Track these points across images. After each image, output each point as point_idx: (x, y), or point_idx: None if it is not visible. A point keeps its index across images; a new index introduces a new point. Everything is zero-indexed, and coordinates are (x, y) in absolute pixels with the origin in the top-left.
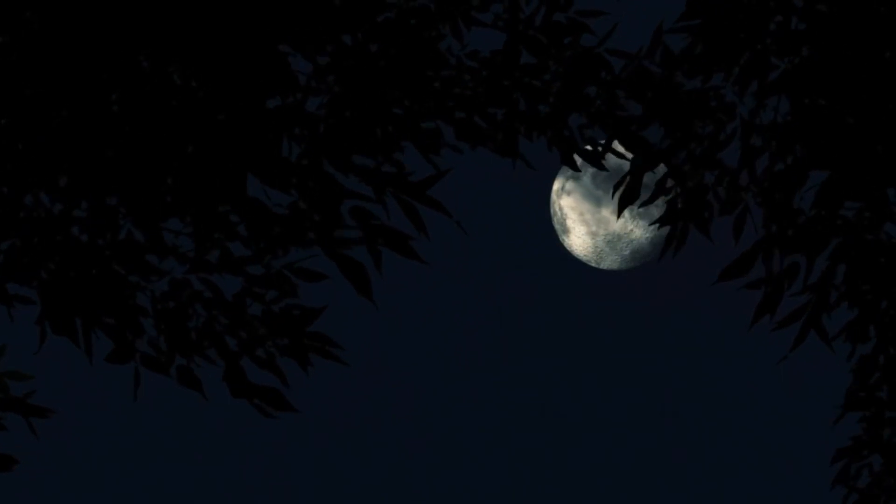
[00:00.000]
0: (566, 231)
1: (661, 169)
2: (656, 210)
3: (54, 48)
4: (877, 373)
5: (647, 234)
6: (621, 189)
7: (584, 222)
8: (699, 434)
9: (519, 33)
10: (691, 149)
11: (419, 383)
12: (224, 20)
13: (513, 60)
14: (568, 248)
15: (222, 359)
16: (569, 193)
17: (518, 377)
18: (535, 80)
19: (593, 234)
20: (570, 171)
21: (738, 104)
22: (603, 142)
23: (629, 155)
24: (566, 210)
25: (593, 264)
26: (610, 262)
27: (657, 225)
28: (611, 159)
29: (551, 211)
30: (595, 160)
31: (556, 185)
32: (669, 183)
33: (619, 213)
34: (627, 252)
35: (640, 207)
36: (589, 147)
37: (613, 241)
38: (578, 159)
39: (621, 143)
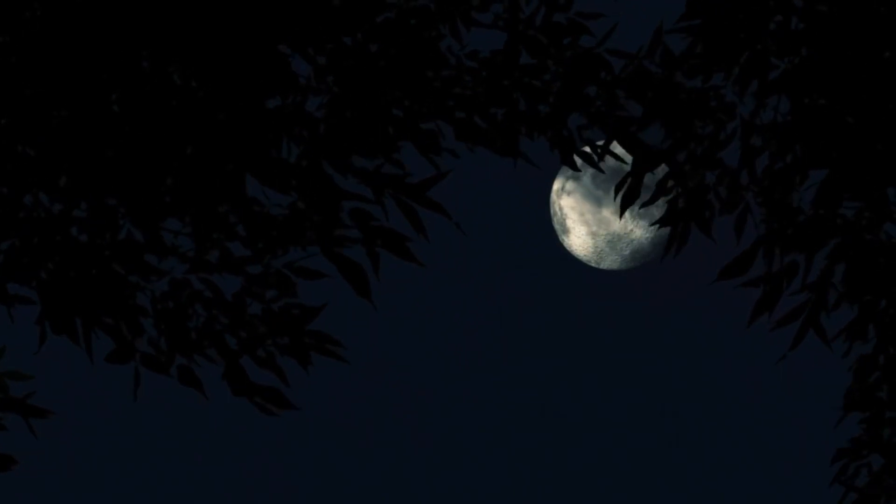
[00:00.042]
0: (566, 231)
1: (662, 169)
2: (657, 210)
3: (54, 48)
4: (877, 372)
5: (648, 234)
6: (623, 190)
7: (584, 222)
8: (699, 434)
9: (519, 33)
10: (692, 149)
11: (419, 383)
12: (224, 20)
13: (513, 60)
14: (568, 248)
15: (222, 358)
16: (569, 193)
17: (518, 377)
18: (534, 80)
19: (593, 234)
20: (570, 171)
21: (738, 104)
22: (601, 143)
23: (628, 157)
24: (566, 210)
25: (593, 264)
26: (610, 262)
27: (658, 225)
28: (610, 160)
29: (551, 211)
30: (592, 161)
31: (556, 185)
32: (670, 183)
33: (622, 214)
34: (628, 252)
35: (640, 208)
36: (587, 148)
37: (614, 241)
38: (578, 160)
39: (620, 143)
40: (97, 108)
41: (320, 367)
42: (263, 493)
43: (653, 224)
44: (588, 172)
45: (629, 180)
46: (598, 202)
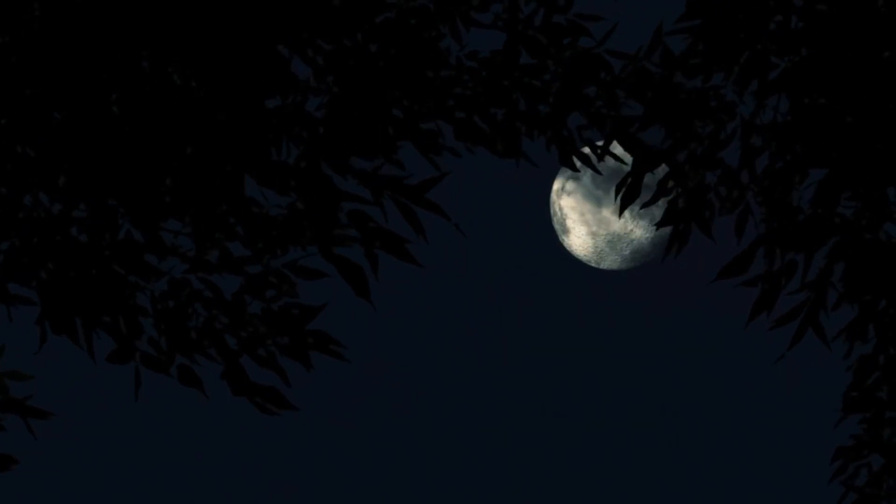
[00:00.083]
0: (566, 231)
1: (662, 169)
2: (657, 210)
3: (54, 48)
4: (876, 372)
5: (648, 234)
6: (623, 189)
7: (584, 222)
8: (699, 434)
9: (518, 34)
10: (692, 149)
11: (419, 383)
12: (224, 20)
13: (512, 61)
14: (568, 248)
15: (222, 358)
16: (569, 193)
17: (518, 377)
18: (534, 80)
19: (594, 234)
20: (570, 172)
21: (738, 104)
22: (601, 143)
23: (628, 158)
24: (566, 210)
25: (593, 264)
26: (610, 262)
27: (659, 226)
28: (610, 159)
29: (551, 211)
30: (590, 163)
31: (556, 185)
32: (670, 184)
33: (621, 213)
34: (628, 252)
35: (641, 208)
36: (587, 148)
37: (614, 241)
38: (577, 161)
39: (620, 143)
40: (97, 108)
41: (320, 367)
42: (263, 493)
43: (654, 224)
44: (588, 172)
45: (629, 180)
46: (598, 202)
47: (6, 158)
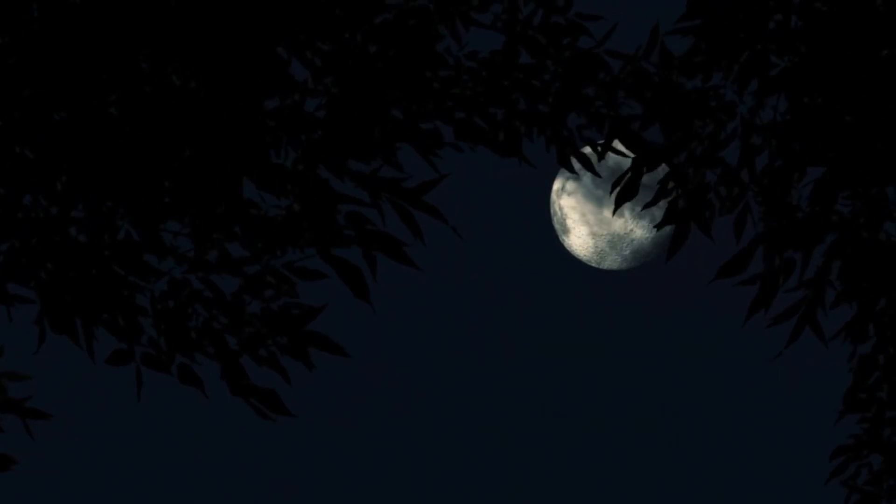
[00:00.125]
0: (566, 231)
1: (663, 169)
2: (658, 210)
3: (53, 49)
4: (876, 372)
5: (648, 235)
6: (619, 187)
7: (584, 222)
8: (699, 434)
9: (517, 34)
10: (692, 148)
11: (419, 383)
12: (222, 22)
13: (511, 61)
14: (568, 248)
15: (221, 358)
16: (569, 193)
17: (518, 377)
18: (534, 80)
19: (594, 235)
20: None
21: (738, 103)
22: (601, 143)
23: (630, 154)
24: (566, 210)
25: (594, 264)
26: (610, 262)
27: (659, 227)
28: (610, 159)
29: (551, 211)
30: (589, 165)
31: (556, 185)
32: (671, 184)
33: (615, 210)
34: (628, 252)
35: (642, 209)
36: (588, 148)
37: (614, 241)
38: (575, 162)
39: (621, 142)
40: (96, 109)
41: (320, 368)
42: (263, 493)
43: (655, 226)
44: (588, 172)
45: (627, 177)
46: (598, 202)
47: (5, 159)
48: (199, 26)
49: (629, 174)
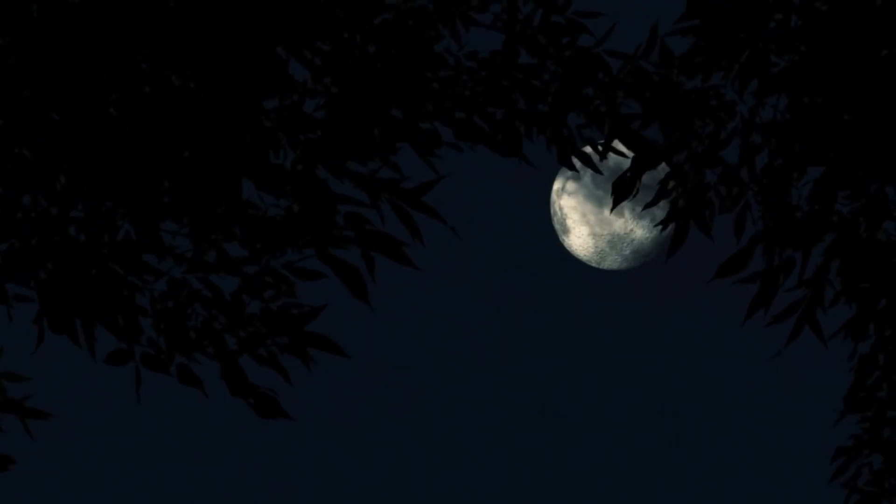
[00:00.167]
0: (566, 231)
1: (663, 169)
2: (658, 211)
3: (53, 49)
4: (876, 372)
5: (649, 234)
6: (618, 186)
7: (585, 222)
8: (699, 434)
9: (517, 34)
10: (692, 148)
11: (419, 383)
12: (222, 21)
13: (511, 61)
14: (568, 248)
15: (221, 358)
16: (569, 193)
17: (518, 377)
18: (533, 79)
19: (594, 234)
20: (570, 171)
21: (738, 103)
22: (602, 142)
23: (629, 153)
24: (566, 210)
25: (594, 264)
26: (611, 262)
27: (662, 227)
28: (610, 159)
29: (551, 211)
30: (591, 162)
31: (557, 185)
32: (671, 184)
33: (613, 208)
34: (628, 252)
35: (643, 209)
36: (588, 147)
37: (614, 241)
38: (577, 161)
39: (621, 141)
40: (95, 109)
41: (320, 368)
42: (263, 493)
43: (656, 225)
44: (589, 173)
45: (626, 175)
46: (599, 202)
47: (5, 159)
48: (199, 26)
49: (629, 173)
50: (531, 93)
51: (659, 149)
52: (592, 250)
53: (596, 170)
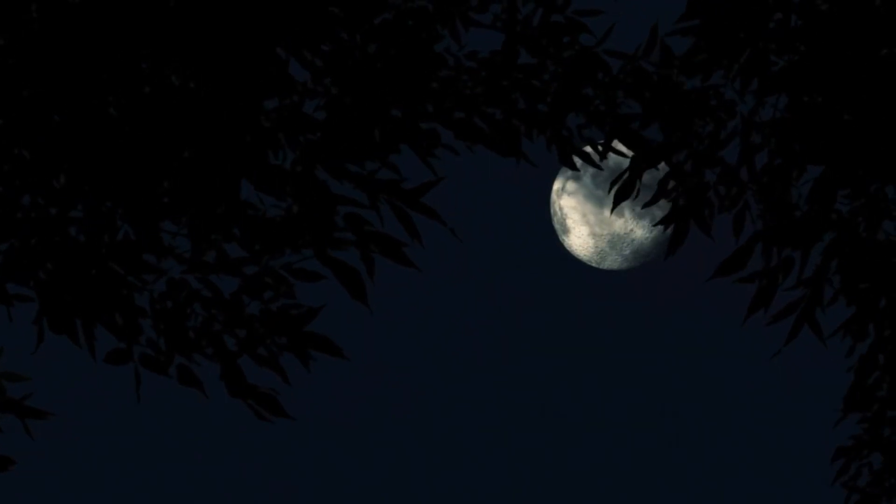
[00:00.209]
0: (566, 231)
1: (664, 168)
2: (658, 210)
3: (52, 49)
4: (876, 371)
5: (649, 234)
6: (618, 185)
7: (585, 222)
8: (699, 434)
9: (517, 34)
10: (692, 147)
11: (419, 383)
12: (222, 21)
13: (511, 61)
14: (568, 248)
15: (220, 359)
16: (569, 193)
17: (518, 377)
18: (533, 79)
19: (594, 234)
20: (570, 171)
21: (738, 102)
22: (602, 142)
23: (629, 153)
24: (566, 210)
25: (594, 264)
26: (611, 262)
27: (663, 227)
28: (610, 159)
29: (551, 211)
30: (591, 160)
31: (557, 185)
32: (671, 184)
33: (614, 208)
34: (628, 252)
35: (642, 208)
36: (588, 147)
37: (614, 240)
38: (577, 160)
39: (621, 141)
40: (95, 109)
41: (321, 368)
42: (263, 493)
43: (656, 225)
44: (589, 173)
45: (626, 176)
46: (599, 202)
47: (5, 159)
48: (199, 27)
49: (628, 173)
50: (531, 93)
51: (658, 149)
52: (592, 250)
53: (597, 166)
